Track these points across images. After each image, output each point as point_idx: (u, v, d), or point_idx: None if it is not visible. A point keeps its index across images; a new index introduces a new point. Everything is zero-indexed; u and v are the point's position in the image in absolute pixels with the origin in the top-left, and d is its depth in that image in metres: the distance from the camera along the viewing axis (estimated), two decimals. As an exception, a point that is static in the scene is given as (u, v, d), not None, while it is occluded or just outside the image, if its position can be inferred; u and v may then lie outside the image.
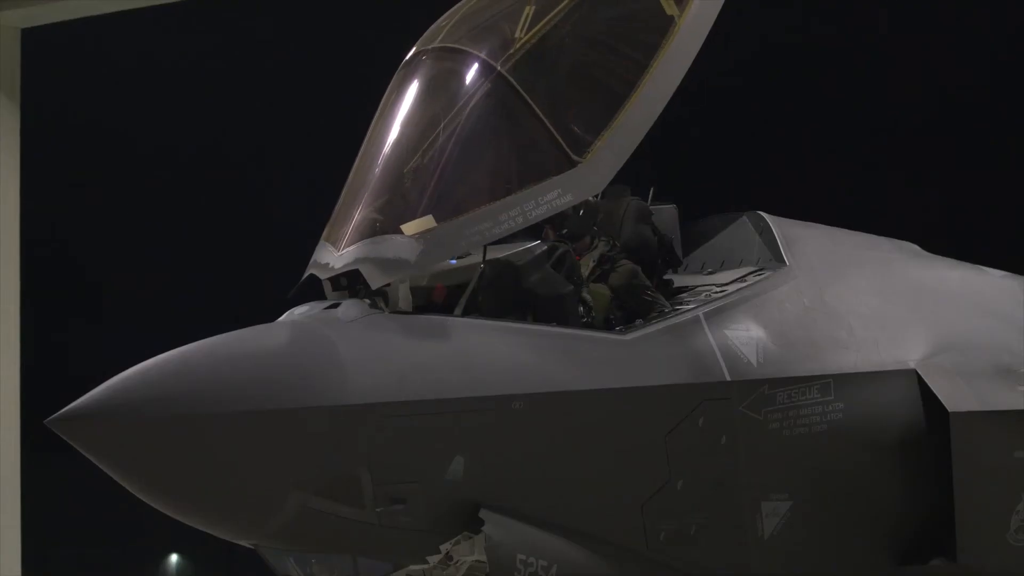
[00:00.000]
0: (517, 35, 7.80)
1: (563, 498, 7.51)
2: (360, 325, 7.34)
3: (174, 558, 32.33)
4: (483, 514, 7.29)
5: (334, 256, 7.65)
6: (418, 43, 8.17)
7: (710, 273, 8.90)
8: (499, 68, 7.81)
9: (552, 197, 7.61)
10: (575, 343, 7.64)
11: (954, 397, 8.34)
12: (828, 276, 8.71)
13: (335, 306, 7.49)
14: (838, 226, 9.43)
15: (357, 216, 7.74)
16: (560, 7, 7.97)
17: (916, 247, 9.89)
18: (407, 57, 8.17)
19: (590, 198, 8.18)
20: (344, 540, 7.27)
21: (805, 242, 8.89)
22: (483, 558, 7.35)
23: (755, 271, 8.65)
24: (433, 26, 8.24)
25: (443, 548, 7.36)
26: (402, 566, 7.45)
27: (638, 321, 8.01)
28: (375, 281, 7.46)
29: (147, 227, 29.55)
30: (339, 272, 7.59)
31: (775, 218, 9.04)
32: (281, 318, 7.69)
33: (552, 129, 7.72)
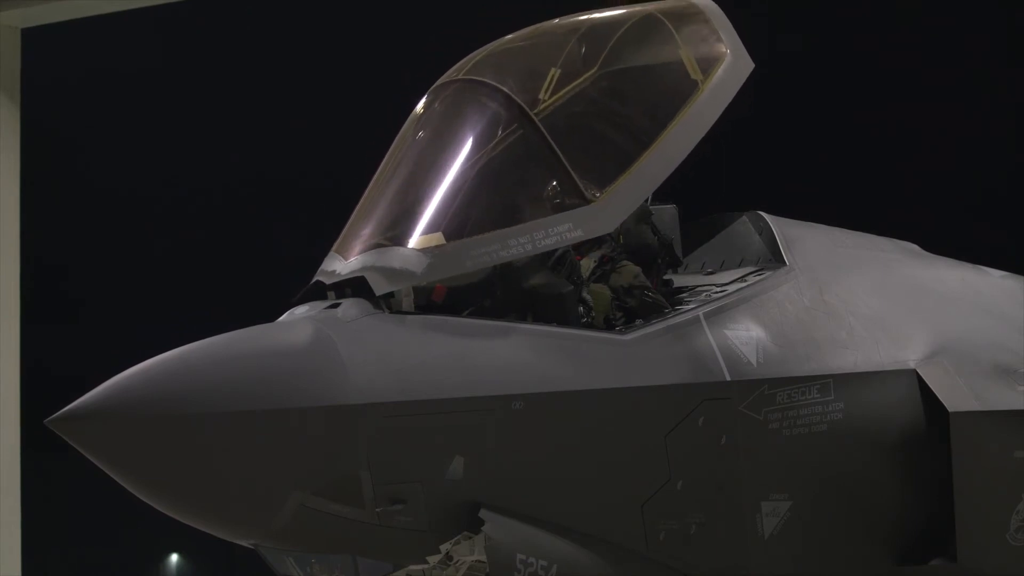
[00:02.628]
0: (541, 96, 8.02)
1: (563, 498, 7.51)
2: (360, 325, 7.34)
3: (174, 558, 32.34)
4: (483, 514, 7.29)
5: (341, 264, 7.68)
6: (443, 77, 8.35)
7: (710, 273, 8.90)
8: (523, 105, 7.93)
9: (563, 229, 7.68)
10: (575, 343, 7.64)
11: (954, 397, 8.35)
12: (828, 276, 8.71)
13: (335, 306, 7.49)
14: (838, 226, 9.43)
15: (368, 229, 7.83)
16: (585, 77, 8.22)
17: (916, 247, 9.90)
18: (432, 87, 8.34)
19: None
20: (344, 540, 7.27)
21: (805, 242, 8.89)
22: (483, 558, 7.35)
23: (755, 271, 8.65)
24: (458, 64, 8.39)
25: (443, 548, 7.35)
26: (402, 566, 7.45)
27: (638, 321, 8.01)
28: (379, 288, 7.48)
29: (148, 226, 29.56)
30: (345, 278, 7.61)
31: (775, 218, 9.05)
32: (281, 318, 7.69)
33: (569, 168, 7.82)
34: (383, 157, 8.35)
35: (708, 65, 8.31)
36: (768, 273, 8.57)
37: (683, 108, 8.14)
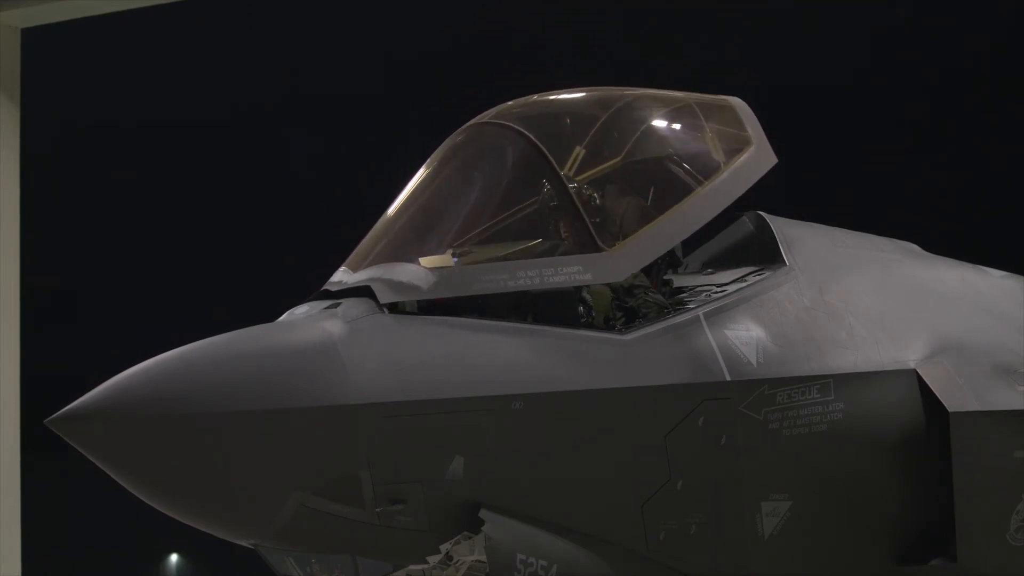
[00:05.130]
0: (565, 171, 8.14)
1: (563, 498, 7.52)
2: (360, 325, 7.35)
3: (174, 558, 32.37)
4: (483, 514, 7.29)
5: (350, 276, 7.76)
6: (472, 120, 8.54)
7: (710, 273, 8.91)
8: (546, 152, 8.06)
9: (573, 271, 7.78)
10: (575, 343, 7.65)
11: (954, 397, 8.34)
12: (828, 276, 8.71)
13: (335, 306, 7.51)
14: (838, 226, 9.43)
15: (379, 248, 7.95)
16: (610, 164, 8.38)
17: (916, 247, 9.90)
18: (459, 128, 8.49)
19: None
20: (344, 540, 7.27)
21: (805, 242, 8.90)
22: (483, 558, 7.35)
23: (755, 271, 8.65)
24: (488, 110, 8.53)
25: (443, 548, 7.36)
26: (402, 566, 7.45)
27: (638, 321, 8.01)
28: (384, 297, 7.53)
29: (147, 226, 29.57)
30: (351, 287, 7.64)
31: (775, 218, 9.05)
32: (281, 318, 7.70)
33: (585, 216, 7.96)
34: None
35: (732, 152, 8.56)
36: (768, 273, 8.58)
37: (703, 184, 8.33)
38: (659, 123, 8.67)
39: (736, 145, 8.61)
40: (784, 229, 8.93)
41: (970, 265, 9.86)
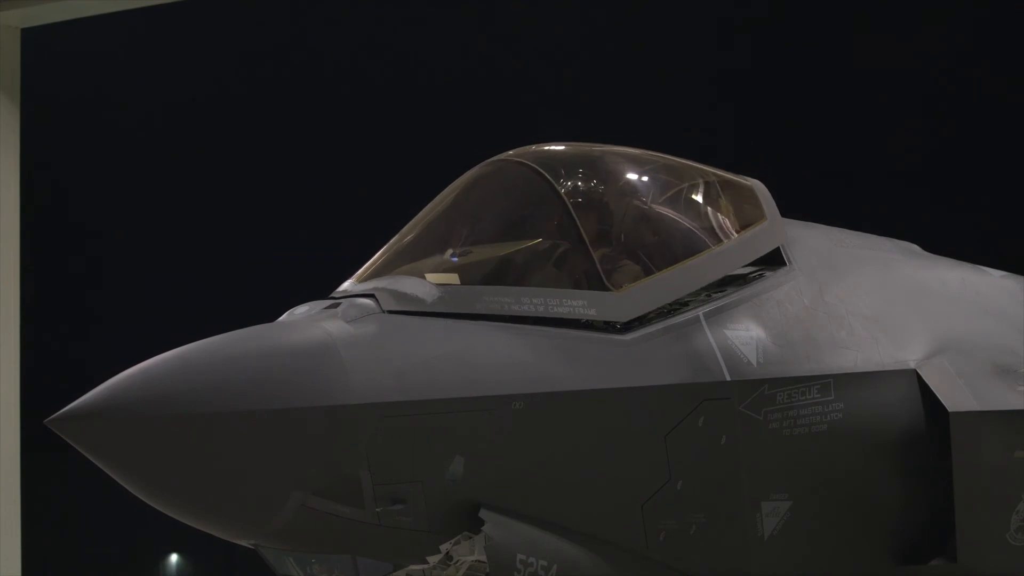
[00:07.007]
0: (581, 213, 8.21)
1: (563, 498, 7.52)
2: (360, 325, 7.36)
3: (174, 558, 32.36)
4: (483, 514, 7.30)
5: (355, 286, 7.84)
6: (493, 157, 8.66)
7: (710, 273, 8.91)
8: (563, 196, 8.17)
9: (577, 304, 7.82)
10: (575, 343, 7.66)
11: (954, 397, 8.36)
12: (828, 276, 8.73)
13: (335, 306, 7.52)
14: (838, 226, 9.44)
15: (386, 265, 8.02)
16: (625, 214, 8.46)
17: (916, 247, 9.91)
18: (480, 164, 8.59)
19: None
20: (344, 540, 7.28)
21: (805, 242, 8.91)
22: (483, 558, 7.36)
23: (755, 271, 8.66)
24: (512, 151, 8.62)
25: (443, 548, 7.36)
26: (402, 566, 7.46)
27: (638, 321, 8.02)
28: (387, 305, 7.56)
29: (147, 227, 29.56)
30: (355, 295, 7.66)
31: (775, 218, 9.05)
32: (281, 318, 7.71)
33: (595, 257, 8.02)
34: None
35: (746, 225, 8.69)
36: (768, 273, 8.59)
37: (714, 246, 8.41)
38: (682, 188, 8.76)
39: (750, 220, 8.71)
40: (784, 229, 8.93)
41: (970, 265, 9.87)
